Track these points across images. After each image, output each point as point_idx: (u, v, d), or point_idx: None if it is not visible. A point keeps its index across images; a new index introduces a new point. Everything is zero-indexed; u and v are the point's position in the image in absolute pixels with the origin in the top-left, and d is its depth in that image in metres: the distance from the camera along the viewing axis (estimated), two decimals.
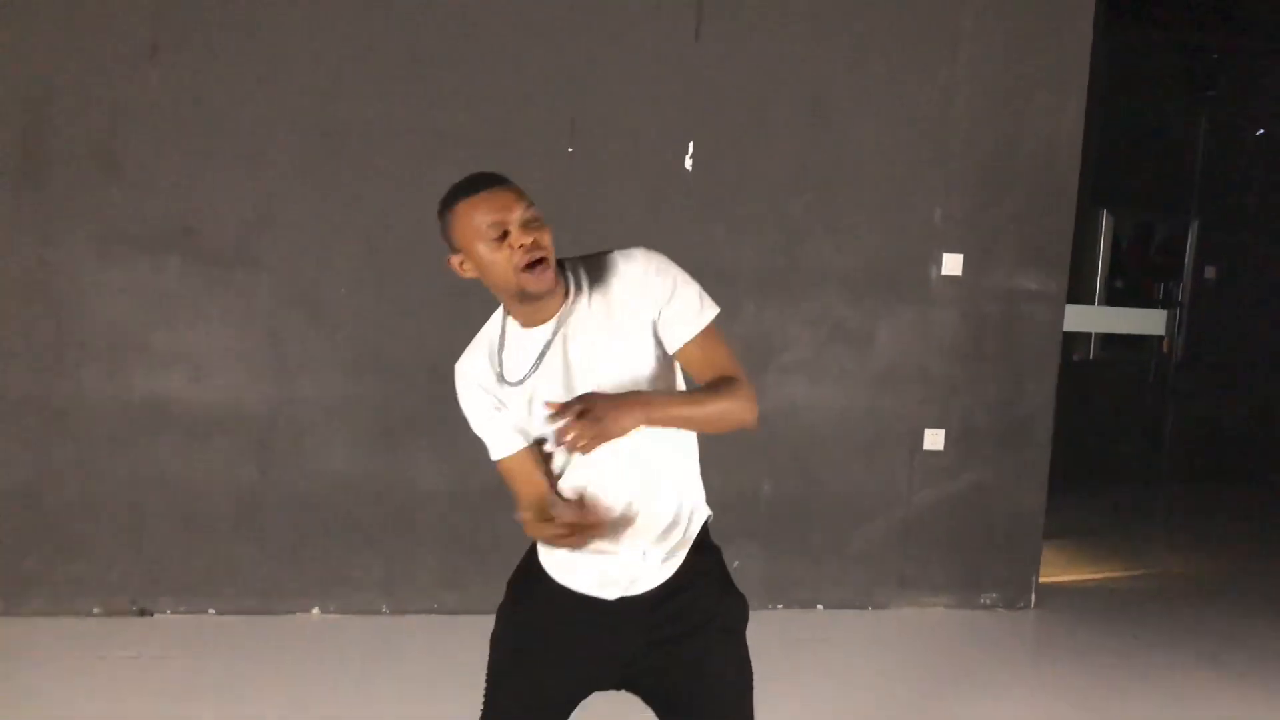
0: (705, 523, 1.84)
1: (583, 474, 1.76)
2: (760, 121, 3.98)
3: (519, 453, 1.80)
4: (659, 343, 1.77)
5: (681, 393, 1.81)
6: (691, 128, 3.91)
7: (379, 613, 3.88)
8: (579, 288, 1.76)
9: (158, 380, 3.66)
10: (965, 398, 4.25)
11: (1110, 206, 6.73)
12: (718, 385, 1.74)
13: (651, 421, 1.67)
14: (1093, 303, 6.58)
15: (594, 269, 1.78)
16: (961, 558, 4.33)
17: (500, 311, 1.80)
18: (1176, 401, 6.73)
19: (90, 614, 3.68)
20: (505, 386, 1.77)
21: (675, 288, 1.75)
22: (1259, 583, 4.89)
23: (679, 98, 3.89)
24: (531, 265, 1.65)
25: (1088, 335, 6.66)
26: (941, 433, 4.23)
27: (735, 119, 3.96)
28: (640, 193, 3.86)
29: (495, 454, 1.82)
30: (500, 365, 1.78)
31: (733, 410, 1.73)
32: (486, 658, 1.92)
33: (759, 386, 4.13)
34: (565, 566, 1.81)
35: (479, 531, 3.84)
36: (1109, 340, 6.84)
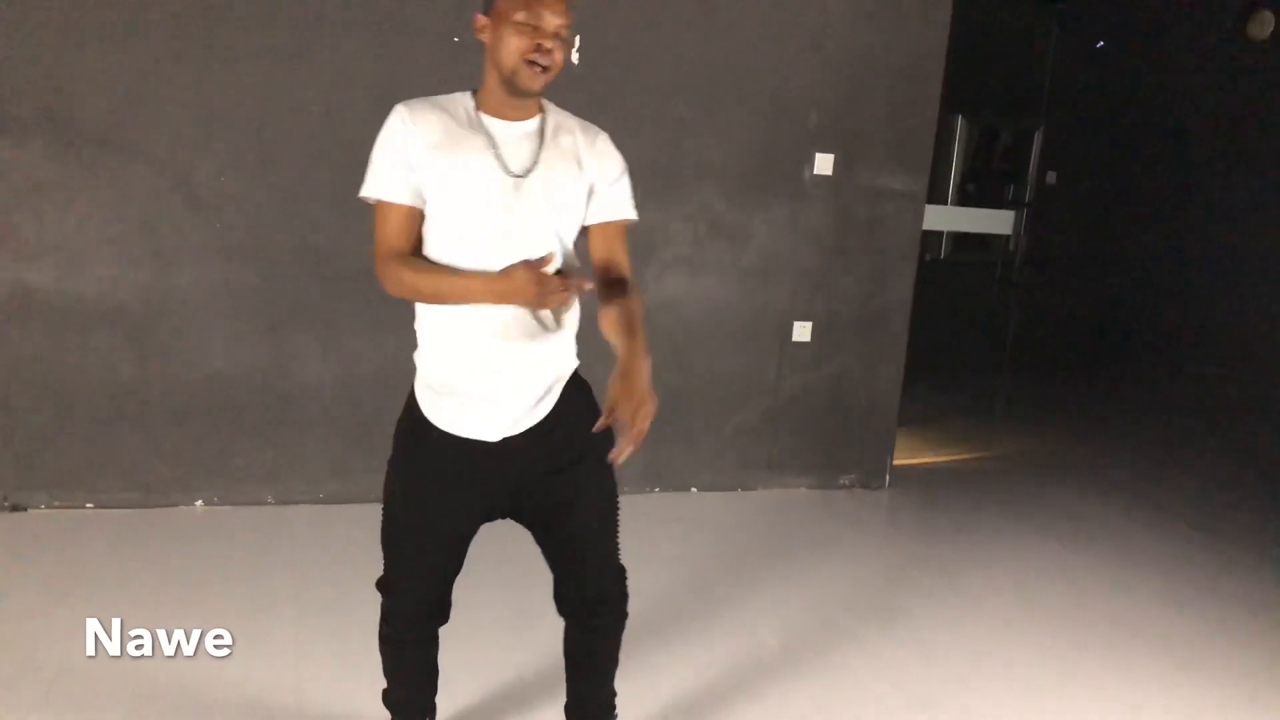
0: (574, 367, 2.06)
1: (483, 322, 1.89)
2: (649, 22, 4.02)
3: (405, 205, 1.89)
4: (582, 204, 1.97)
5: (637, 330, 1.88)
6: (581, 23, 3.90)
7: (264, 503, 3.91)
8: (556, 114, 1.98)
9: (25, 270, 3.52)
10: (831, 292, 4.48)
11: (964, 113, 7.04)
12: (636, 299, 1.94)
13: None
14: (946, 204, 6.94)
15: (568, 116, 2.00)
16: (823, 442, 4.63)
17: (463, 95, 1.94)
18: (1020, 299, 7.21)
19: None
20: (464, 146, 1.87)
21: (622, 175, 2.02)
22: (1089, 462, 5.40)
23: None
24: (533, 63, 1.83)
25: (940, 236, 7.03)
26: (809, 324, 4.47)
27: (625, 18, 3.98)
28: None
29: (384, 193, 1.88)
30: (483, 125, 1.90)
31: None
32: (381, 518, 2.09)
33: (642, 280, 4.26)
34: (451, 415, 1.96)
35: (364, 420, 3.88)
36: (960, 240, 7.24)
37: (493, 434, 1.96)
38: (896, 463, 4.81)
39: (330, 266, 3.69)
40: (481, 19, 1.88)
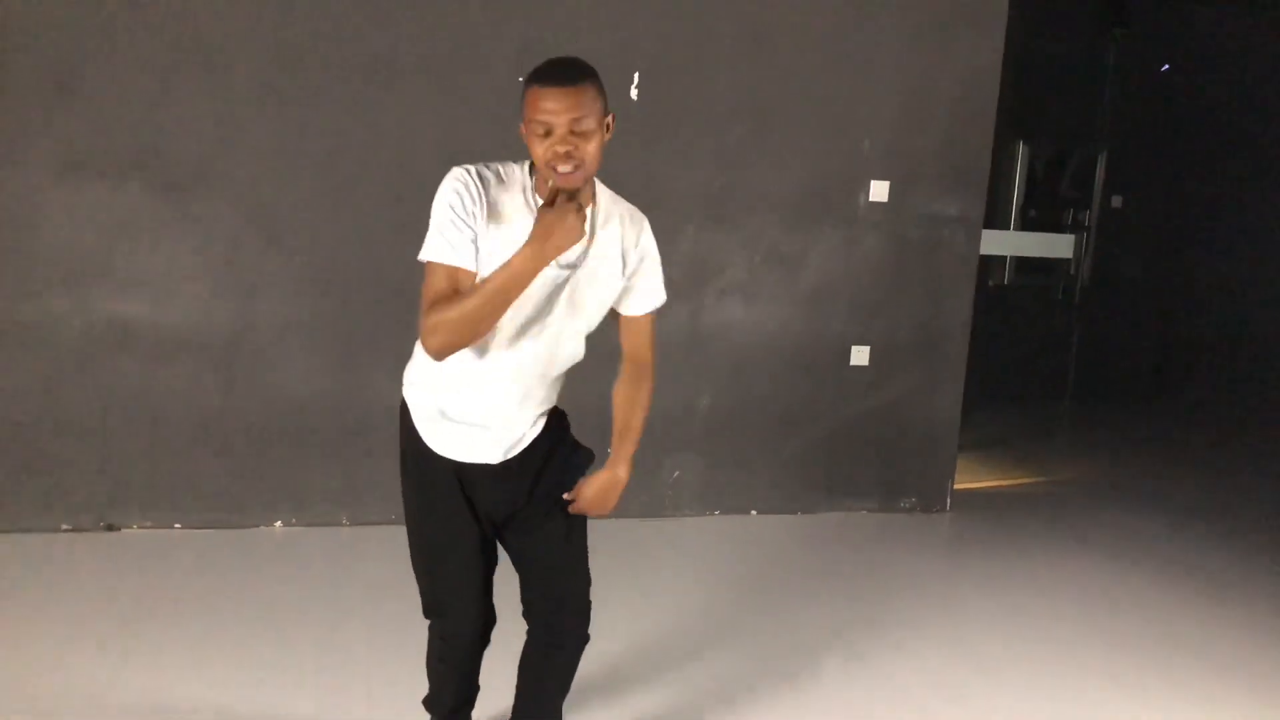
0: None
1: (502, 357, 1.96)
2: (703, 54, 4.15)
3: (464, 270, 1.85)
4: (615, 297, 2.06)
5: (628, 439, 2.17)
6: (638, 58, 4.07)
7: (339, 524, 4.07)
8: (606, 201, 2.00)
9: (120, 302, 3.75)
10: (889, 316, 4.54)
11: (1026, 138, 7.04)
12: (636, 400, 2.15)
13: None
14: (1008, 229, 6.93)
15: (617, 202, 2.03)
16: (883, 466, 4.67)
17: (523, 171, 1.93)
18: (1082, 323, 7.15)
19: (59, 530, 3.81)
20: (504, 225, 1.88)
21: (657, 269, 2.09)
22: (1152, 487, 5.33)
23: (623, 27, 4.04)
24: (558, 171, 1.80)
25: (1003, 261, 7.02)
26: (866, 349, 4.53)
27: (680, 51, 4.12)
28: None
29: (448, 257, 1.84)
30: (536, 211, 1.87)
31: (647, 402, 2.18)
32: (409, 548, 2.20)
33: (699, 306, 4.38)
34: (452, 442, 2.05)
35: None
36: (1022, 265, 7.22)
37: (495, 457, 2.05)
38: (957, 487, 4.82)
39: (400, 298, 3.86)
40: (523, 124, 1.86)
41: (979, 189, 4.58)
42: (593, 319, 2.04)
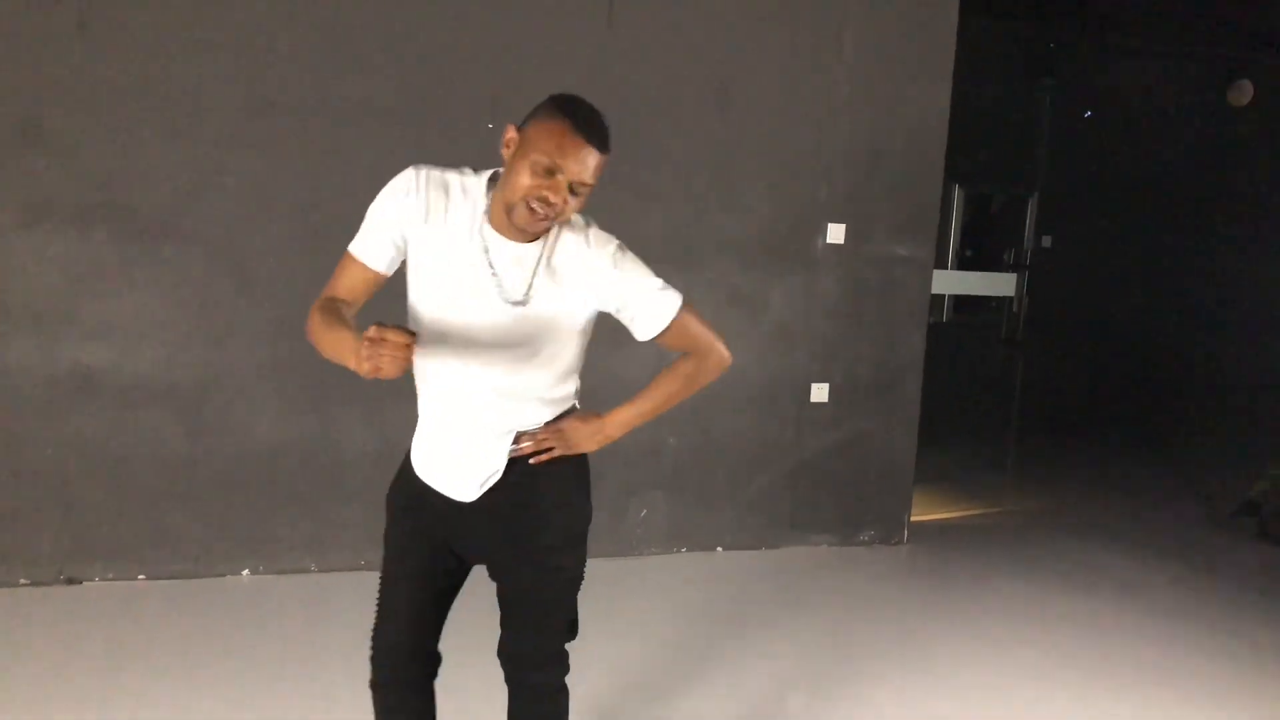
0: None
1: (453, 384, 1.91)
2: (668, 104, 4.27)
3: (369, 268, 1.89)
4: (591, 322, 1.98)
5: (637, 401, 2.07)
6: (605, 107, 4.13)
7: (308, 571, 4.03)
8: (565, 235, 1.89)
9: (85, 350, 3.69)
10: (847, 354, 4.67)
11: (961, 182, 7.33)
12: (674, 371, 2.04)
13: (609, 439, 2.05)
14: (947, 268, 7.18)
15: (574, 232, 1.90)
16: (843, 500, 4.78)
17: (481, 188, 1.88)
18: (1024, 358, 7.42)
19: (17, 584, 3.70)
20: (456, 234, 1.85)
21: (643, 286, 1.93)
22: (1099, 515, 5.54)
23: (595, 79, 4.13)
24: (534, 211, 1.76)
25: (941, 299, 7.27)
26: (826, 386, 4.65)
27: (646, 100, 4.23)
28: None
29: (358, 250, 1.89)
30: (482, 235, 1.84)
31: (693, 382, 2.06)
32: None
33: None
34: (428, 471, 2.02)
35: None
36: (960, 302, 7.47)
37: (465, 495, 1.99)
38: (914, 519, 4.95)
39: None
40: (512, 132, 1.81)
41: (929, 231, 4.76)
42: (551, 349, 1.93)
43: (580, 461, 2.08)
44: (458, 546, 2.06)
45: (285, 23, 3.79)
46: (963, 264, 7.42)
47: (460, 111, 3.96)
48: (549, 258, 1.87)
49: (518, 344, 1.89)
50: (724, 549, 4.60)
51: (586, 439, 2.03)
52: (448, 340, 1.89)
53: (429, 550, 2.06)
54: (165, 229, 3.73)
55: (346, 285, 1.91)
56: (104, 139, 3.63)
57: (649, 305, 1.95)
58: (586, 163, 1.76)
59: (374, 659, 2.11)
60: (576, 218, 1.92)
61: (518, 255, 1.86)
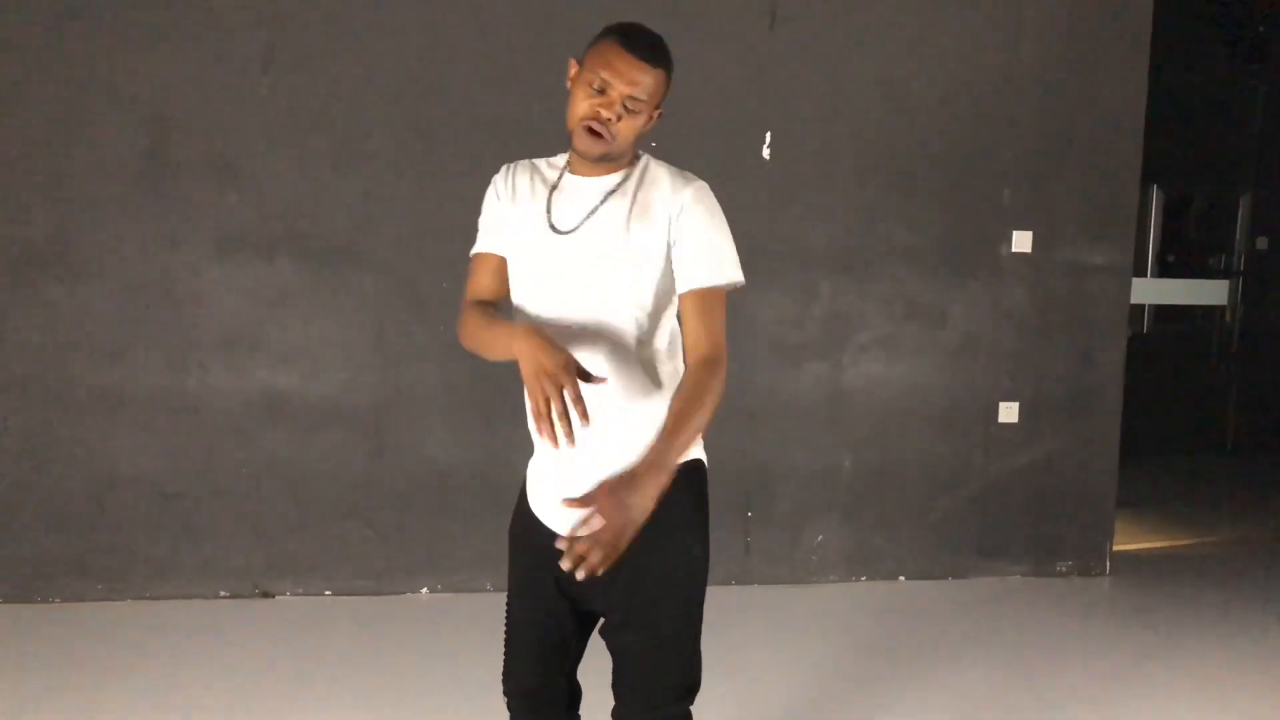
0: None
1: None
2: (834, 109, 4.12)
3: (493, 255, 1.92)
4: (666, 260, 1.81)
5: (670, 435, 1.71)
6: (768, 116, 4.06)
7: (484, 589, 4.07)
8: (650, 169, 1.85)
9: (274, 374, 3.87)
10: (1037, 370, 4.38)
11: (1159, 181, 6.80)
12: (695, 390, 1.74)
13: (662, 486, 1.68)
14: (1146, 275, 6.67)
15: (664, 169, 1.86)
16: (1037, 528, 4.46)
17: (565, 158, 1.91)
18: (1239, 371, 6.81)
19: (217, 597, 3.90)
20: (524, 207, 1.87)
21: (699, 234, 1.80)
22: None
23: (755, 87, 4.05)
24: (591, 128, 1.75)
25: (1141, 309, 6.75)
26: (1015, 405, 4.36)
27: (810, 107, 4.10)
28: (719, 182, 3.93)
29: (479, 247, 1.94)
30: (549, 203, 1.85)
31: (711, 409, 1.75)
32: None
33: (838, 364, 4.31)
34: (536, 500, 1.95)
35: None
36: (1160, 313, 6.92)
37: (562, 528, 1.84)
38: (1116, 548, 4.58)
39: None
40: (574, 65, 1.83)
41: (1126, 235, 4.42)
42: (606, 287, 1.79)
43: (698, 488, 1.88)
44: (567, 589, 1.87)
45: (449, 52, 3.89)
46: (1163, 270, 6.88)
47: None
48: (635, 190, 1.83)
49: (570, 277, 1.81)
50: (906, 578, 4.37)
51: (641, 500, 1.66)
52: (521, 290, 1.88)
53: (545, 590, 1.91)
54: (343, 256, 3.87)
55: (482, 284, 1.94)
56: (285, 172, 3.81)
57: (701, 254, 1.80)
58: (636, 78, 1.74)
59: (508, 703, 2.02)
60: (686, 173, 1.87)
61: (594, 189, 1.83)
